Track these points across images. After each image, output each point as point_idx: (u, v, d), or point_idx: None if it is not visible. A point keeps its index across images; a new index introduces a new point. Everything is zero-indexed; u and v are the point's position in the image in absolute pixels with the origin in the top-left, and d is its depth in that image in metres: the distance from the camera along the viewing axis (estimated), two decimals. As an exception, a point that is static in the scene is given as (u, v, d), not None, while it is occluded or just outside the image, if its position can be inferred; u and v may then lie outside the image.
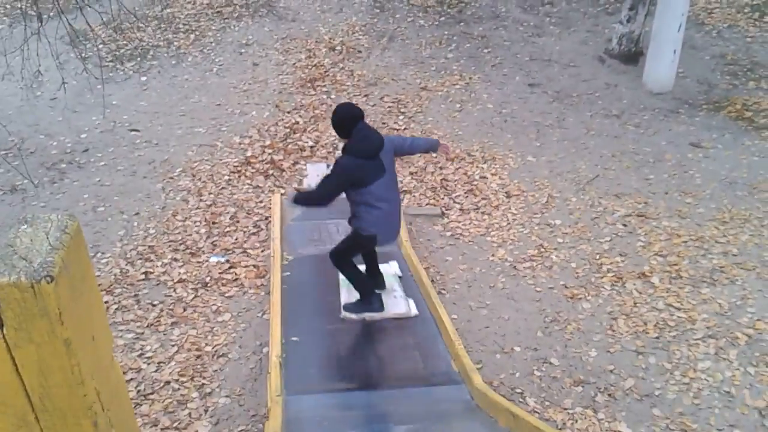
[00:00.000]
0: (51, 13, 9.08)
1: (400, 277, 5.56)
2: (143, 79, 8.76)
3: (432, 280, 5.77)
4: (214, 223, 6.44)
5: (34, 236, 1.37)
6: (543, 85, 8.82)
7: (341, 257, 4.81)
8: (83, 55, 9.07)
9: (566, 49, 9.67)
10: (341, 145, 4.39)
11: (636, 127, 7.94)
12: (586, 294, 5.71)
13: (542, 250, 6.22)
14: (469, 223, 6.62)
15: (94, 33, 9.56)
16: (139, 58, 9.18)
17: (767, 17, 10.55)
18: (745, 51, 9.64)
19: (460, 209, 6.80)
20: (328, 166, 6.70)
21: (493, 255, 6.20)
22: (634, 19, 9.22)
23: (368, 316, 4.99)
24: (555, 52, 9.60)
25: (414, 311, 5.11)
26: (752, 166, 7.25)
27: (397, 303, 5.16)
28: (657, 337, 5.29)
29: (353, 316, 4.99)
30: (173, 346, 5.08)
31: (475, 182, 7.15)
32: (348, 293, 5.17)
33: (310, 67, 9.19)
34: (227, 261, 5.96)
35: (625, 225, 6.47)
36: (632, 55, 9.25)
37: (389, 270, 5.58)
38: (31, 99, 7.87)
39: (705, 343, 5.21)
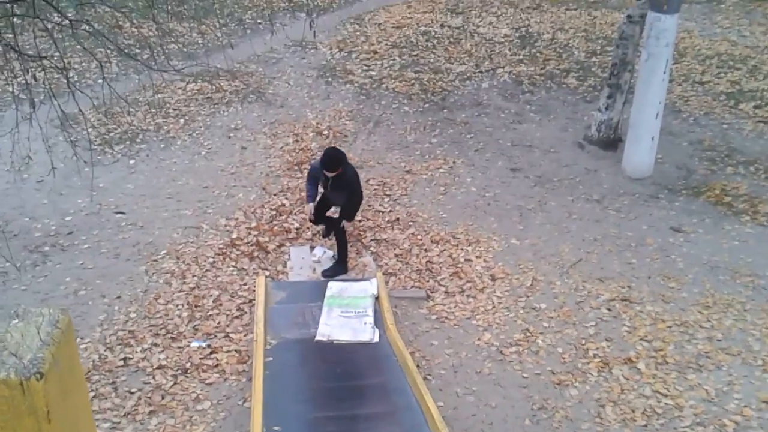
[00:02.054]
0: (42, 97, 9.26)
1: (376, 297, 6.27)
2: (131, 162, 8.85)
3: (417, 365, 5.70)
4: (196, 306, 6.38)
5: (26, 331, 1.36)
6: (525, 170, 9.00)
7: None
8: (72, 138, 9.18)
9: (547, 136, 9.93)
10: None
11: (617, 212, 8.08)
12: (573, 380, 5.66)
13: (528, 334, 6.19)
14: (455, 306, 6.60)
15: (84, 117, 9.70)
16: (128, 142, 9.30)
17: (742, 104, 10.95)
18: (721, 137, 9.94)
19: (446, 292, 6.80)
20: (312, 248, 6.82)
21: (479, 339, 6.16)
22: (612, 106, 9.53)
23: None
24: (536, 138, 9.85)
25: (376, 339, 5.84)
26: (733, 251, 7.36)
27: (365, 330, 5.87)
28: (645, 425, 5.22)
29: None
30: (150, 436, 4.93)
31: (460, 265, 7.17)
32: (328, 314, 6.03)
33: (297, 150, 9.34)
34: (208, 346, 5.87)
35: (609, 309, 6.48)
36: (611, 142, 9.51)
37: (368, 289, 6.31)
38: (18, 182, 7.89)
39: (693, 431, 5.15)
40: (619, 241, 7.52)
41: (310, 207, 6.79)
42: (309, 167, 6.85)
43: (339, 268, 6.90)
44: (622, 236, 7.61)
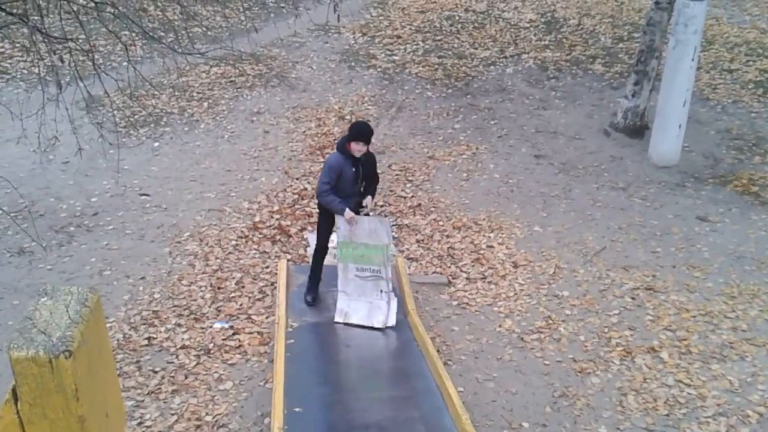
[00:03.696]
0: (67, 79, 9.33)
1: (389, 247, 5.85)
2: (156, 144, 8.91)
3: (438, 350, 5.69)
4: (219, 288, 6.43)
5: (54, 309, 1.37)
6: (549, 157, 8.92)
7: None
8: (98, 120, 9.27)
9: (572, 122, 9.82)
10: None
11: (642, 200, 7.98)
12: (595, 368, 5.62)
13: (550, 321, 6.16)
14: (476, 293, 6.58)
15: (110, 99, 9.79)
16: (152, 125, 9.37)
17: (771, 92, 10.74)
18: (749, 126, 9.77)
19: (467, 278, 6.77)
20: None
21: (500, 326, 6.14)
22: (639, 94, 9.39)
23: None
24: (561, 124, 9.75)
25: (390, 322, 5.72)
26: (760, 241, 7.24)
27: (379, 307, 5.76)
28: (667, 415, 5.17)
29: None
30: (173, 415, 4.99)
31: (482, 251, 7.14)
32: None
33: (319, 135, 9.34)
34: (231, 327, 5.92)
35: (633, 298, 6.42)
36: (637, 129, 9.38)
37: (380, 232, 5.74)
38: (44, 163, 7.98)
39: (716, 422, 5.10)
40: (644, 230, 7.43)
41: (350, 212, 5.64)
42: (327, 162, 5.66)
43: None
44: (648, 225, 7.52)
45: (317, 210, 6.12)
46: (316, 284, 6.05)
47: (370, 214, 5.96)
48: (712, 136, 9.47)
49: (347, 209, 5.61)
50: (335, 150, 5.75)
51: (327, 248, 6.01)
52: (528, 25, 13.61)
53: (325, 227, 5.92)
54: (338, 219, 5.68)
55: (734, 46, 12.56)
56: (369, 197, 5.87)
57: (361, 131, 5.59)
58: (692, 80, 8.59)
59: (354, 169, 5.59)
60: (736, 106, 10.40)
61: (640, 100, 9.40)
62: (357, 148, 5.52)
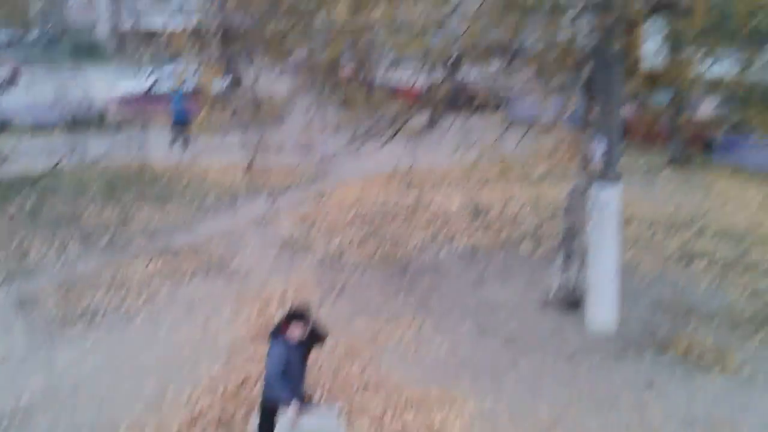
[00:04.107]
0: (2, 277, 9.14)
1: None
2: (92, 338, 8.58)
3: None
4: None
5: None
6: (492, 331, 9.04)
7: None
8: (33, 316, 8.96)
9: (509, 297, 10.11)
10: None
11: (588, 370, 8.07)
12: None
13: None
14: (434, 475, 6.26)
15: (46, 295, 9.56)
16: (89, 319, 9.07)
17: (694, 263, 11.44)
18: (679, 296, 10.23)
19: (425, 461, 6.47)
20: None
21: None
22: (569, 269, 9.84)
23: None
24: (500, 299, 10.01)
25: None
26: (708, 404, 7.33)
27: None
28: None
29: None
30: None
31: (436, 428, 6.91)
32: None
33: (261, 320, 9.23)
34: None
35: (594, 470, 6.24)
36: (573, 302, 9.69)
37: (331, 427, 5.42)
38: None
39: None
40: (594, 399, 7.43)
41: (296, 403, 5.33)
42: (272, 351, 5.52)
43: None
44: (597, 394, 7.54)
45: (261, 401, 5.78)
46: None
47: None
48: (645, 305, 9.87)
49: (294, 401, 5.31)
50: (270, 343, 5.63)
51: None
52: (456, 211, 14.42)
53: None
54: (282, 415, 5.31)
55: (652, 223, 13.57)
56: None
57: (301, 310, 5.71)
58: (617, 258, 9.09)
59: (298, 354, 5.55)
60: (664, 277, 10.99)
61: (571, 276, 9.81)
62: (297, 331, 5.53)
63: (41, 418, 6.87)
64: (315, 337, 5.86)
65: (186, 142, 19.35)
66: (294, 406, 5.27)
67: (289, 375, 5.45)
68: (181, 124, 19.43)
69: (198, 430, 6.76)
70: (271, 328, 5.81)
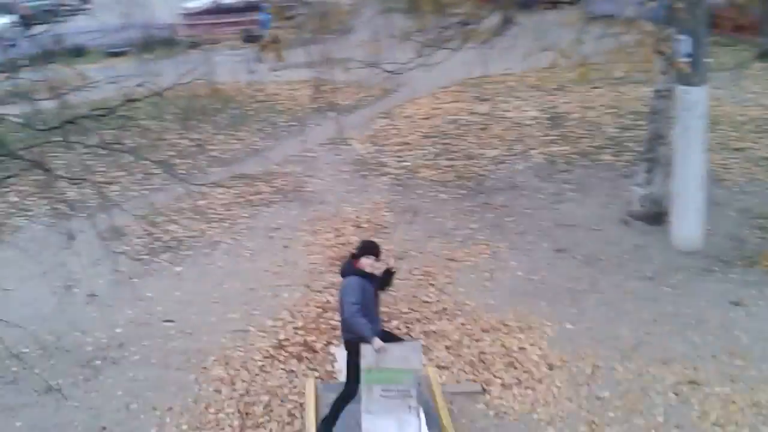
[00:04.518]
0: (87, 213, 9.52)
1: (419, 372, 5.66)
2: (177, 269, 8.95)
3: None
4: (247, 414, 6.25)
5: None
6: (570, 250, 8.86)
7: None
8: (120, 250, 9.38)
9: (589, 214, 9.82)
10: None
11: (672, 289, 7.83)
12: (648, 473, 5.31)
13: (594, 426, 5.90)
14: (513, 400, 6.34)
15: (130, 229, 9.96)
16: (173, 250, 9.45)
17: (784, 168, 10.76)
18: (768, 204, 9.71)
19: (502, 384, 6.55)
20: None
21: (542, 434, 5.87)
22: (653, 181, 9.42)
23: None
24: (578, 216, 9.75)
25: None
26: (799, 322, 7.02)
27: (409, 423, 5.44)
28: None
29: None
30: None
31: (514, 354, 6.95)
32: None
33: (338, 245, 9.37)
34: (262, 456, 5.69)
35: (676, 394, 6.16)
36: (656, 216, 9.33)
37: (410, 359, 5.46)
38: (68, 297, 8.00)
39: None
40: (678, 320, 7.24)
41: (378, 340, 5.31)
42: (346, 285, 5.49)
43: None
44: (681, 314, 7.33)
45: (344, 339, 5.79)
46: (331, 429, 5.68)
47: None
48: (733, 217, 9.41)
49: (376, 338, 5.31)
50: (342, 277, 5.64)
51: (355, 395, 5.61)
52: (532, 122, 13.93)
53: (356, 371, 5.52)
54: (364, 347, 5.36)
55: (741, 125, 12.74)
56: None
57: (371, 245, 5.70)
58: (704, 164, 8.62)
59: (373, 286, 5.55)
60: (753, 184, 10.40)
61: (654, 188, 9.41)
62: (368, 263, 5.53)
63: (134, 349, 7.30)
64: (384, 276, 5.86)
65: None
66: (376, 342, 5.33)
67: (365, 309, 5.48)
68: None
69: (282, 358, 7.04)
70: (342, 264, 5.83)
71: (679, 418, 5.89)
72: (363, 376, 5.48)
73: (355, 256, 5.62)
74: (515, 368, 6.73)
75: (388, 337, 5.69)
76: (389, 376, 5.50)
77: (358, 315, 5.34)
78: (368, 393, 5.55)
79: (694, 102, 8.43)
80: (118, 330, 7.68)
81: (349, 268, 5.62)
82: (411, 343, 5.80)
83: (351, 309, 5.34)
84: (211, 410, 6.32)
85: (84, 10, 28.12)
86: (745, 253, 8.45)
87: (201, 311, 7.96)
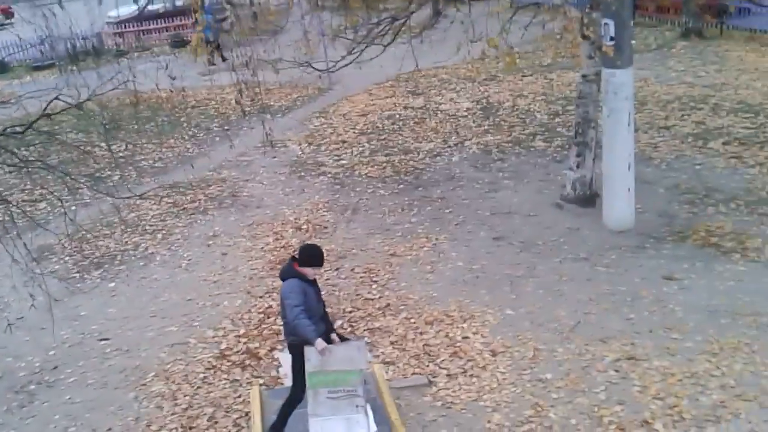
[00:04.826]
0: (14, 232, 9.13)
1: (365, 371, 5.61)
2: (111, 285, 8.69)
3: (429, 462, 5.44)
4: (191, 428, 6.09)
5: None
6: (508, 237, 8.96)
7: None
8: (49, 269, 9.05)
9: (524, 200, 9.97)
10: None
11: (607, 268, 8.00)
12: (593, 452, 5.40)
13: (539, 409, 5.96)
14: (459, 389, 6.36)
15: (61, 245, 9.62)
16: (106, 265, 9.16)
17: (710, 143, 11.12)
18: (696, 178, 10.03)
19: (447, 375, 6.56)
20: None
21: (488, 421, 5.91)
22: (583, 164, 9.61)
23: None
24: (513, 204, 9.88)
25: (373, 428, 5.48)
26: (730, 292, 7.26)
27: (357, 422, 5.39)
28: (675, 492, 4.95)
29: None
30: None
31: (458, 344, 6.97)
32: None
33: (278, 249, 9.25)
34: (209, 470, 5.56)
35: (617, 370, 6.29)
36: (588, 198, 9.54)
37: (355, 359, 5.38)
38: (-4, 322, 7.67)
39: (726, 491, 4.88)
40: (614, 298, 7.40)
41: (321, 342, 5.21)
42: (287, 288, 5.36)
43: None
44: (616, 292, 7.50)
45: (288, 343, 5.67)
46: None
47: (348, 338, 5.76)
48: (662, 194, 9.69)
49: (319, 340, 5.21)
50: (282, 279, 5.51)
51: (302, 399, 5.52)
52: (466, 113, 14.08)
53: (302, 374, 5.39)
54: (308, 350, 5.26)
55: (666, 104, 13.14)
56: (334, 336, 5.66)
57: (317, 255, 5.54)
58: (632, 145, 8.84)
59: (313, 289, 5.47)
60: (680, 160, 10.73)
61: (585, 170, 9.61)
62: (312, 272, 5.45)
63: (70, 371, 7.04)
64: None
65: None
66: (319, 344, 5.25)
67: (308, 311, 5.39)
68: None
69: (225, 368, 6.89)
70: (283, 267, 5.72)
71: (620, 395, 6.01)
72: (308, 379, 5.40)
73: (298, 262, 5.51)
74: (460, 358, 6.76)
75: (329, 342, 5.63)
76: (335, 378, 5.44)
77: (301, 317, 5.22)
78: (314, 396, 5.47)
79: (620, 84, 8.62)
80: (51, 352, 7.40)
81: (289, 271, 5.51)
82: (355, 342, 5.73)
83: (294, 311, 5.24)
84: (153, 428, 6.13)
85: (5, 25, 27.04)
86: (675, 228, 8.70)
87: (138, 326, 7.74)
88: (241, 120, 14.79)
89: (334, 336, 5.65)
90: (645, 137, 11.53)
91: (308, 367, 5.34)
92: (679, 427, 5.55)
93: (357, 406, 5.53)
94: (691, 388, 5.96)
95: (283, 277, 5.54)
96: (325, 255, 5.71)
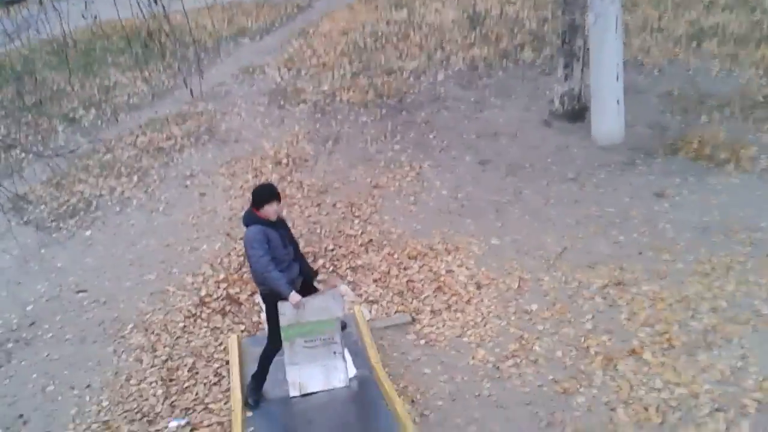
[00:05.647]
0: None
1: (341, 320, 5.44)
2: (87, 233, 8.42)
3: (412, 401, 5.33)
4: (171, 380, 5.97)
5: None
6: (494, 161, 8.61)
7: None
8: (24, 219, 8.80)
9: (511, 119, 9.54)
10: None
11: (595, 188, 7.69)
12: (578, 385, 5.28)
13: (523, 342, 5.81)
14: (443, 326, 6.21)
15: (35, 194, 9.32)
16: (82, 213, 8.86)
17: (704, 44, 10.57)
18: (690, 84, 9.57)
19: (431, 311, 6.40)
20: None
21: (473, 357, 5.78)
22: (571, 75, 9.14)
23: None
24: (500, 124, 9.46)
25: (351, 374, 5.44)
26: (723, 207, 6.97)
27: (336, 368, 5.37)
28: (661, 423, 4.85)
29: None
30: None
31: (442, 278, 6.78)
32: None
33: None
34: (188, 423, 5.47)
35: (604, 298, 6.09)
36: (577, 113, 9.12)
37: (331, 308, 5.23)
38: (-29, 278, 7.50)
39: (713, 419, 4.78)
40: (602, 220, 7.13)
41: (295, 295, 5.02)
42: (249, 237, 5.01)
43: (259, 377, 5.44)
44: (605, 214, 7.22)
45: (260, 292, 5.39)
46: (261, 384, 5.38)
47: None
48: (653, 103, 9.25)
49: (293, 293, 5.00)
50: (246, 226, 5.15)
51: (280, 347, 5.32)
52: (452, 25, 13.38)
53: (276, 323, 5.19)
54: (282, 305, 5.05)
55: (660, 3, 12.43)
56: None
57: (272, 191, 5.13)
58: (620, 52, 8.34)
59: (278, 233, 5.13)
60: (673, 65, 10.22)
61: (573, 83, 9.15)
62: (272, 210, 5.06)
63: (47, 326, 6.88)
64: (288, 234, 5.44)
65: None
66: (293, 297, 5.03)
67: (276, 259, 5.12)
68: None
69: (205, 316, 6.73)
70: (244, 214, 5.38)
71: (607, 323, 5.84)
72: (282, 333, 5.22)
73: (255, 206, 5.18)
74: (444, 293, 6.57)
75: (306, 288, 5.41)
76: (310, 329, 5.27)
77: (269, 268, 4.96)
78: (290, 347, 5.32)
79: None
80: (28, 308, 7.23)
81: (250, 217, 5.19)
82: (330, 292, 5.51)
83: (261, 263, 4.95)
84: (133, 381, 6.01)
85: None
86: (667, 140, 8.34)
87: (115, 276, 7.53)
88: (218, 45, 14.17)
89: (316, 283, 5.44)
90: (636, 42, 10.94)
91: (282, 322, 5.15)
92: (669, 355, 5.39)
93: (334, 353, 5.39)
94: (681, 313, 5.78)
95: (246, 223, 5.23)
96: (277, 188, 5.23)
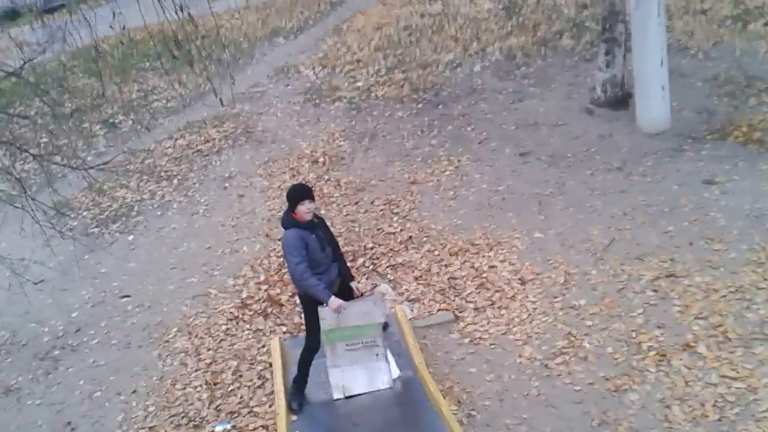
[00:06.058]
0: (34, 190, 9.00)
1: (384, 324, 5.39)
2: (130, 238, 8.52)
3: (459, 401, 5.22)
4: (215, 383, 5.97)
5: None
6: (535, 152, 8.41)
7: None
8: (68, 227, 8.92)
9: (551, 108, 9.31)
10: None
11: (642, 176, 7.43)
12: (631, 382, 5.09)
13: (572, 339, 5.63)
14: (487, 323, 6.07)
15: (78, 201, 9.46)
16: (124, 218, 8.97)
17: (750, 25, 10.16)
18: (737, 67, 9.20)
19: (475, 308, 6.26)
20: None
21: (519, 355, 5.63)
22: (613, 62, 8.87)
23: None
24: (540, 113, 9.24)
25: (395, 374, 5.39)
26: (775, 193, 6.66)
27: (379, 369, 5.31)
28: (719, 419, 4.65)
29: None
30: None
31: (485, 274, 6.63)
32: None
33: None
34: (234, 427, 5.45)
35: (655, 290, 5.87)
36: (620, 100, 8.84)
37: (372, 313, 5.17)
38: (17, 285, 7.60)
39: (776, 416, 4.53)
40: (650, 210, 6.88)
41: (335, 300, 4.98)
42: (285, 243, 4.98)
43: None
44: (653, 203, 6.96)
45: (298, 294, 5.43)
46: (303, 388, 5.35)
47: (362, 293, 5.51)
48: (699, 87, 8.91)
49: (333, 298, 4.95)
50: (284, 229, 5.11)
51: (318, 347, 5.27)
52: (487, 15, 13.14)
53: (314, 323, 5.16)
54: (322, 309, 5.00)
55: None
56: (354, 283, 5.38)
57: (302, 190, 5.09)
58: (664, 38, 8.05)
59: (314, 235, 5.06)
60: (718, 48, 9.84)
61: (615, 69, 8.87)
62: (305, 210, 4.98)
63: (93, 332, 6.97)
64: (327, 235, 5.37)
65: None
66: (333, 302, 4.97)
67: (312, 263, 5.05)
68: None
69: (247, 318, 6.72)
70: (282, 215, 5.34)
71: (659, 317, 5.62)
72: (324, 336, 5.19)
73: (290, 208, 5.13)
74: (487, 289, 6.43)
75: (345, 289, 5.34)
76: (352, 333, 5.23)
77: (306, 275, 4.91)
78: (332, 350, 5.29)
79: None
80: (74, 314, 7.34)
81: (287, 219, 5.15)
82: (371, 297, 5.46)
83: (298, 270, 4.90)
84: (178, 386, 6.04)
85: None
86: (715, 126, 8.02)
87: (158, 280, 7.59)
88: (253, 47, 14.21)
89: (354, 284, 5.37)
90: (679, 24, 10.56)
91: (323, 326, 5.11)
92: (725, 348, 5.16)
93: (377, 355, 5.32)
94: (736, 304, 5.52)
95: (284, 225, 5.19)
96: (311, 187, 5.27)
